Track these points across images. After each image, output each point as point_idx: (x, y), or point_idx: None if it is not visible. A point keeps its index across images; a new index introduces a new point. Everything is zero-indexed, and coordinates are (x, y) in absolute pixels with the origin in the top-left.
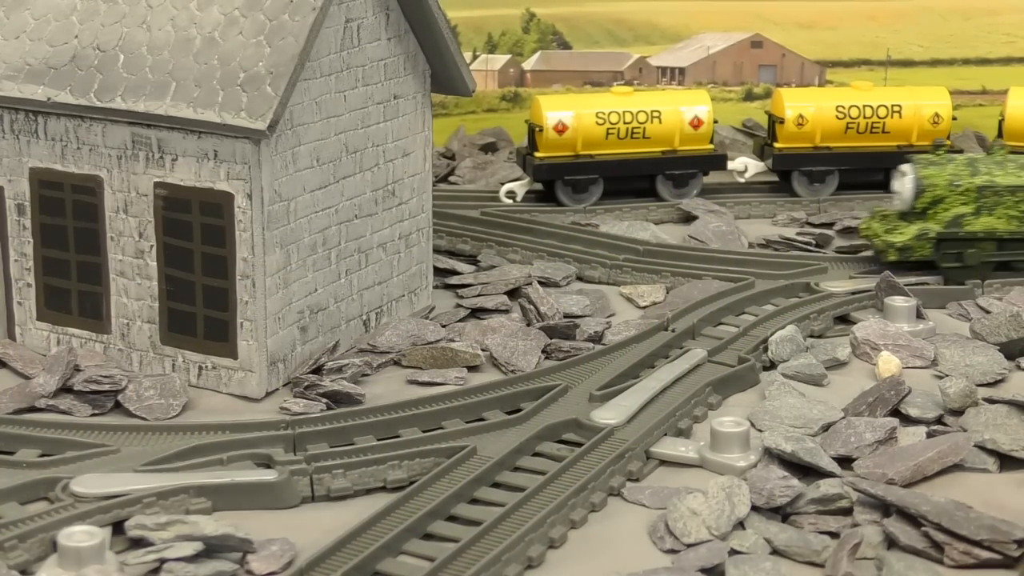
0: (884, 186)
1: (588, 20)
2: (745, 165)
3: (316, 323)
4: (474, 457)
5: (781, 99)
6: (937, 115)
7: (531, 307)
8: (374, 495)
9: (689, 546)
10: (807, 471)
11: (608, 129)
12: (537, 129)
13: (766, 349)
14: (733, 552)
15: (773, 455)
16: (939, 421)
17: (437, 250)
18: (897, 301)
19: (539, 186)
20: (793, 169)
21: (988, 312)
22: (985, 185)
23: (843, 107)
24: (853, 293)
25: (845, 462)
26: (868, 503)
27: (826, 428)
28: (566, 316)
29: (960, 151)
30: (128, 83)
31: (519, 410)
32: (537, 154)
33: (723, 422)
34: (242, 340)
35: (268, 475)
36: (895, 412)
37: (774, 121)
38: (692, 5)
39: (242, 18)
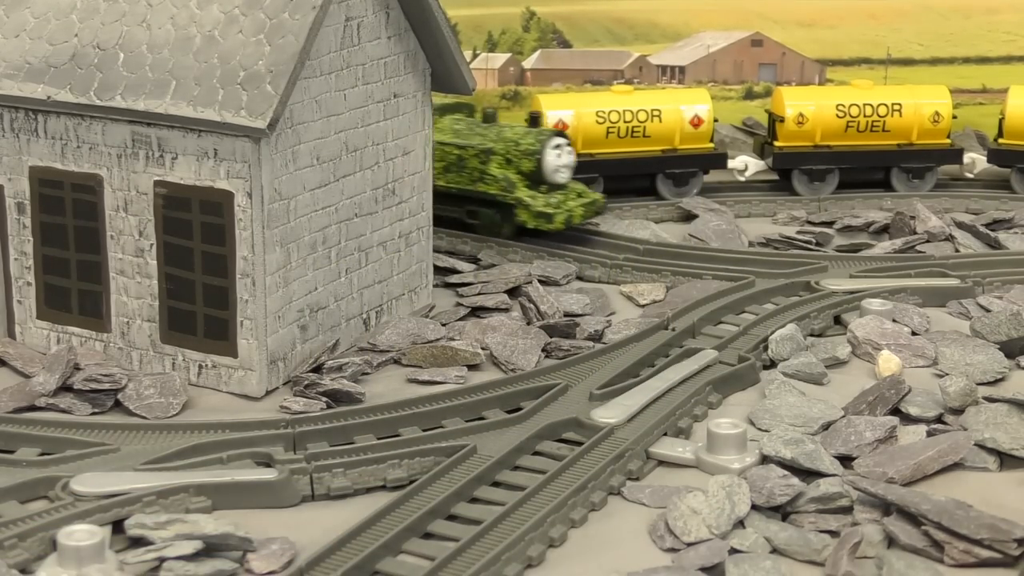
0: (885, 185)
1: (588, 18)
2: (745, 164)
3: (316, 322)
4: (474, 456)
5: (781, 98)
6: (937, 113)
7: (531, 306)
8: (374, 494)
9: (689, 545)
10: (807, 470)
11: (608, 128)
12: None
13: (766, 348)
14: (733, 551)
15: (773, 460)
16: (939, 420)
17: (437, 249)
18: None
19: None
20: (793, 168)
21: (988, 311)
22: None
23: (843, 106)
24: (852, 292)
25: (845, 461)
26: (868, 502)
27: (826, 427)
28: (566, 315)
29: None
30: (128, 82)
31: (519, 409)
32: None
33: (720, 424)
34: (242, 339)
35: (268, 474)
36: (895, 411)
37: (774, 120)
38: (692, 4)
39: (242, 16)
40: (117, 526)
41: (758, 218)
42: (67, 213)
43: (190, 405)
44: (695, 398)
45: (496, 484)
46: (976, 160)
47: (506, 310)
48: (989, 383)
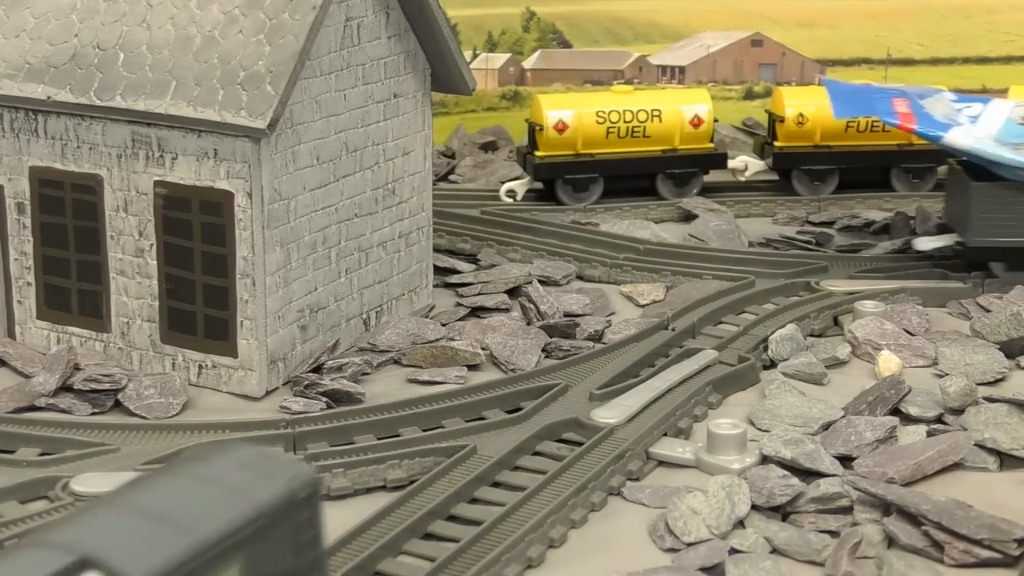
0: (884, 185)
1: (588, 19)
2: (745, 164)
3: (316, 322)
4: (474, 456)
5: (781, 98)
6: None
7: (531, 306)
8: (374, 494)
9: (689, 545)
10: (808, 470)
11: (608, 128)
12: (537, 128)
13: (766, 348)
14: (733, 551)
15: (773, 460)
16: (939, 420)
17: (437, 249)
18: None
19: (539, 185)
20: (793, 168)
21: (988, 311)
22: None
23: None
24: (852, 293)
25: (845, 461)
26: (868, 502)
27: (826, 427)
28: (566, 315)
29: None
30: (128, 82)
31: (519, 409)
32: (537, 153)
33: (720, 424)
34: (242, 339)
35: None
36: (895, 411)
37: (774, 120)
38: (692, 4)
39: (242, 16)
40: None
41: (758, 218)
42: (67, 213)
43: (190, 405)
44: (695, 398)
45: (496, 484)
46: None
47: (506, 310)
48: (989, 383)
